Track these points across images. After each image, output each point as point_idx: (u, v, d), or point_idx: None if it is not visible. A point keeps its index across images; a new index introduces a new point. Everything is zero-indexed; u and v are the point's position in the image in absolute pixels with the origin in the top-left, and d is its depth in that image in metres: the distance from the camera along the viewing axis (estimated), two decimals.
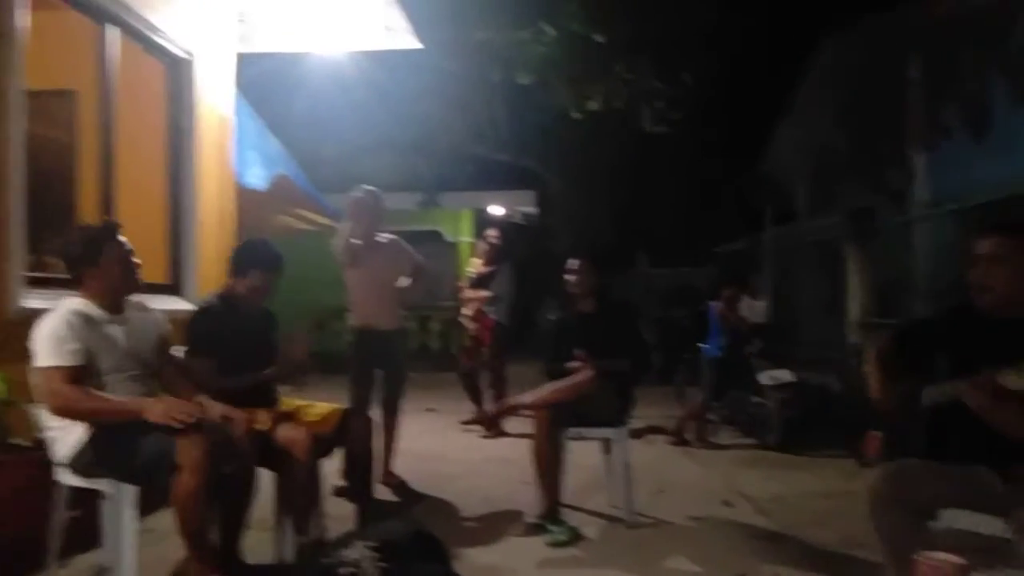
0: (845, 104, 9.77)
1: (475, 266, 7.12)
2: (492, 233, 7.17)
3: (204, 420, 2.78)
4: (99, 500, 2.93)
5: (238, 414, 3.03)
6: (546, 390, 4.03)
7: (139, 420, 2.70)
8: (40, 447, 2.93)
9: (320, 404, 3.59)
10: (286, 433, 3.22)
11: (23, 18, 3.53)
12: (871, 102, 9.25)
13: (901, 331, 2.85)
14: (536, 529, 3.82)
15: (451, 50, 9.66)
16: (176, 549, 2.80)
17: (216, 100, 5.30)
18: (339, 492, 4.01)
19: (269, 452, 3.17)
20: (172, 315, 4.29)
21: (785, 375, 6.13)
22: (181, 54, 4.92)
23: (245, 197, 5.86)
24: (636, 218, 16.02)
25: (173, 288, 4.89)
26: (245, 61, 5.90)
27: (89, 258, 2.90)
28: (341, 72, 8.35)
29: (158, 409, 2.69)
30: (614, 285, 4.72)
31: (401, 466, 4.88)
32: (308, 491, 3.31)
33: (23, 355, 2.77)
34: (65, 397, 2.70)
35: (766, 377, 6.13)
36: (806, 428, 6.02)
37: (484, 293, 6.86)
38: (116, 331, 2.92)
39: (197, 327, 3.44)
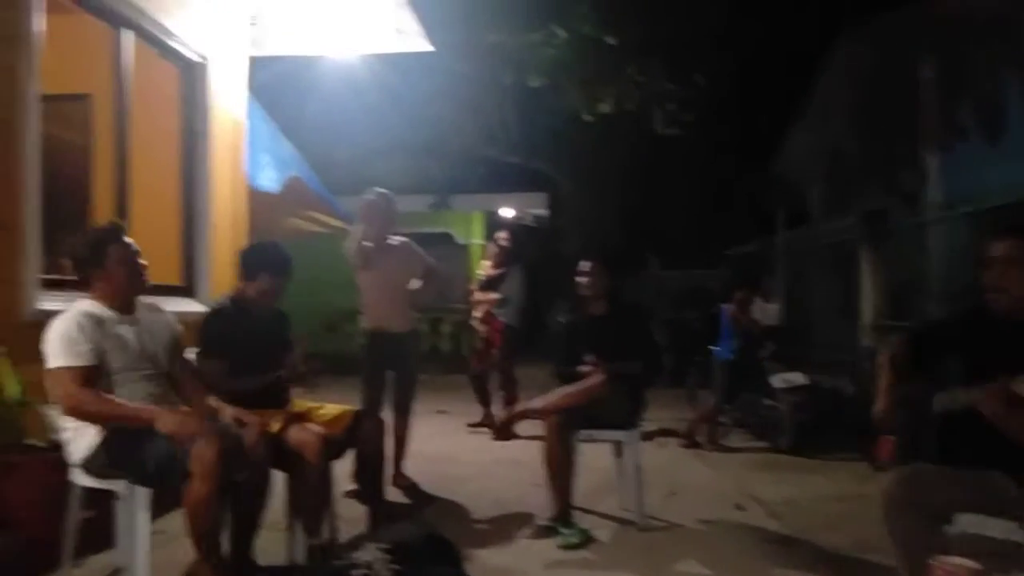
0: (858, 105, 9.73)
1: (484, 268, 7.13)
2: (502, 236, 7.18)
3: (216, 424, 2.79)
4: (113, 501, 2.95)
5: (250, 418, 3.03)
6: (557, 395, 4.03)
7: (148, 427, 2.71)
8: (56, 448, 2.96)
9: (331, 405, 3.60)
10: (297, 435, 3.23)
11: (39, 23, 3.56)
12: (884, 103, 9.20)
13: (914, 333, 2.84)
14: (547, 531, 3.82)
15: (463, 53, 9.67)
16: (188, 550, 2.81)
17: (229, 103, 5.33)
18: (351, 494, 4.02)
19: (281, 453, 3.18)
20: (185, 317, 4.33)
21: (798, 378, 6.10)
22: (195, 58, 4.96)
23: (258, 200, 5.89)
24: (647, 220, 15.99)
25: (186, 290, 4.92)
26: (257, 64, 5.94)
27: (94, 260, 2.92)
28: (353, 75, 8.39)
29: (169, 421, 2.71)
30: (625, 287, 4.70)
31: (412, 468, 4.88)
32: (319, 493, 3.32)
33: (39, 357, 2.80)
34: (78, 398, 2.73)
35: (778, 380, 6.10)
36: (818, 431, 5.99)
37: (493, 295, 6.87)
38: (127, 331, 2.93)
39: (209, 329, 3.47)
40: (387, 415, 4.59)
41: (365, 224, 4.65)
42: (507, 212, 14.46)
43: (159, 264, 4.73)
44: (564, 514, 3.83)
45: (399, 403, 4.77)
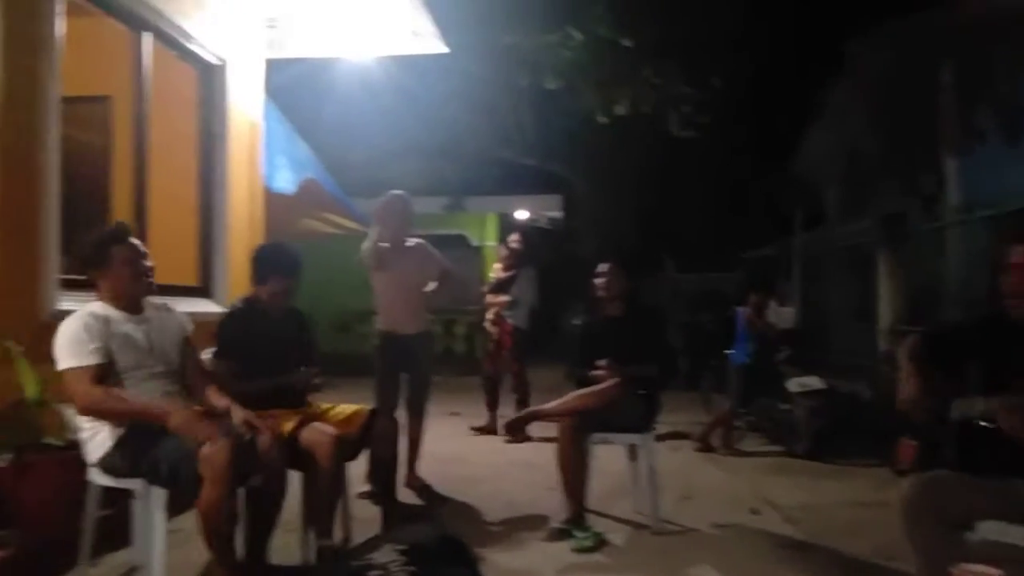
0: (876, 107, 9.65)
1: (495, 271, 7.13)
2: (514, 238, 7.19)
3: (229, 426, 2.80)
4: (130, 500, 2.97)
5: (259, 420, 3.00)
6: (571, 398, 4.02)
7: (161, 424, 2.72)
8: (73, 447, 2.98)
9: (345, 405, 3.61)
10: (310, 436, 3.23)
11: (60, 26, 3.59)
12: (903, 105, 9.13)
13: (931, 334, 2.79)
14: (561, 534, 3.81)
15: (478, 54, 9.69)
16: (204, 550, 2.82)
17: (246, 105, 5.36)
18: (364, 495, 4.02)
19: (295, 454, 3.19)
20: (202, 317, 4.36)
21: (814, 382, 6.06)
22: (213, 60, 4.99)
23: (274, 201, 5.92)
24: (663, 222, 15.96)
25: (203, 290, 4.95)
26: (274, 67, 5.97)
27: (99, 260, 2.95)
28: (368, 77, 8.40)
29: (179, 420, 2.72)
30: (641, 290, 4.69)
31: (425, 469, 4.88)
32: (331, 494, 3.32)
33: None
34: (91, 396, 2.74)
35: (794, 384, 6.07)
36: (835, 436, 5.95)
37: (503, 298, 6.87)
38: (135, 330, 2.95)
39: (224, 331, 3.49)
40: (401, 416, 4.60)
41: (381, 225, 4.66)
42: (522, 214, 14.45)
43: (176, 265, 4.80)
44: (578, 517, 3.82)
45: (413, 404, 4.77)
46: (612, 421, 3.93)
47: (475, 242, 13.69)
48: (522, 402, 6.76)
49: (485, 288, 7.13)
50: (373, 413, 3.63)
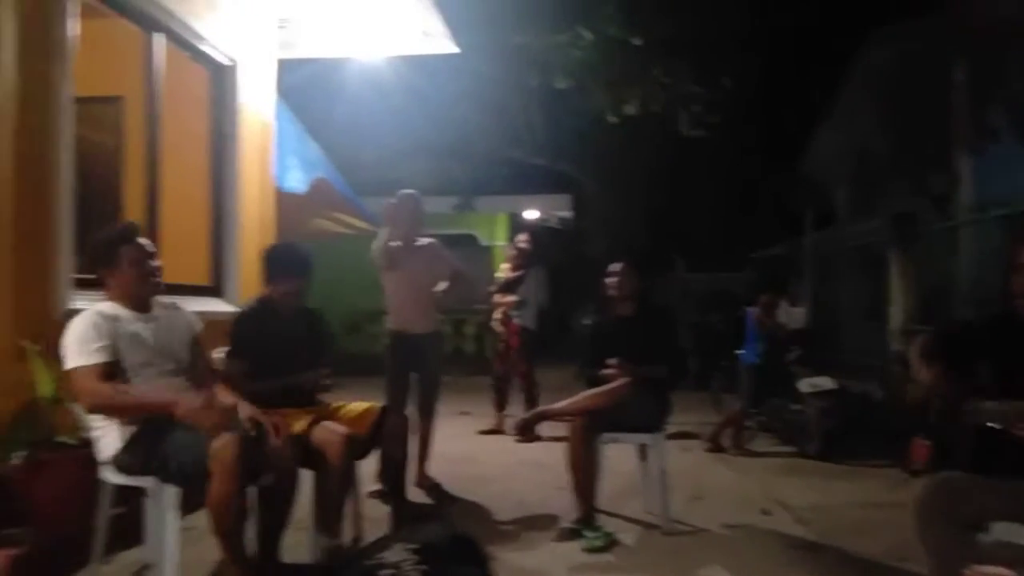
0: (887, 107, 9.62)
1: (504, 270, 7.14)
2: (522, 238, 7.21)
3: (233, 422, 2.81)
4: (142, 498, 2.99)
5: (266, 418, 2.99)
6: (581, 397, 4.01)
7: (169, 414, 2.73)
8: (86, 445, 3.00)
9: (356, 403, 3.61)
10: (322, 435, 3.24)
11: (74, 27, 3.62)
12: (915, 104, 9.09)
13: (943, 332, 2.77)
14: (571, 534, 3.81)
15: (488, 54, 9.70)
16: (217, 548, 2.84)
17: (258, 105, 5.38)
18: (375, 494, 4.04)
19: (306, 453, 3.20)
20: (214, 316, 4.38)
21: (825, 382, 6.04)
22: (224, 61, 5.01)
23: (285, 200, 5.94)
24: (673, 222, 15.93)
25: (214, 290, 4.98)
26: (286, 67, 5.99)
27: (107, 260, 2.97)
28: (379, 77, 8.43)
29: (185, 409, 2.73)
30: (652, 290, 4.68)
31: (435, 469, 4.89)
32: (342, 493, 3.33)
33: None
34: (98, 394, 2.76)
35: (805, 384, 6.04)
36: (847, 437, 5.92)
37: (511, 298, 6.87)
38: (143, 329, 2.97)
39: (236, 331, 3.51)
40: (411, 416, 4.61)
41: (392, 225, 4.67)
42: (531, 214, 14.45)
43: (188, 264, 4.82)
44: (588, 517, 3.82)
45: (423, 404, 4.77)
46: (622, 421, 3.92)
47: (485, 242, 13.69)
48: (531, 402, 6.77)
49: (493, 288, 7.14)
50: (384, 410, 3.64)
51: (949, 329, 2.76)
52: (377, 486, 4.20)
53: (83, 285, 3.60)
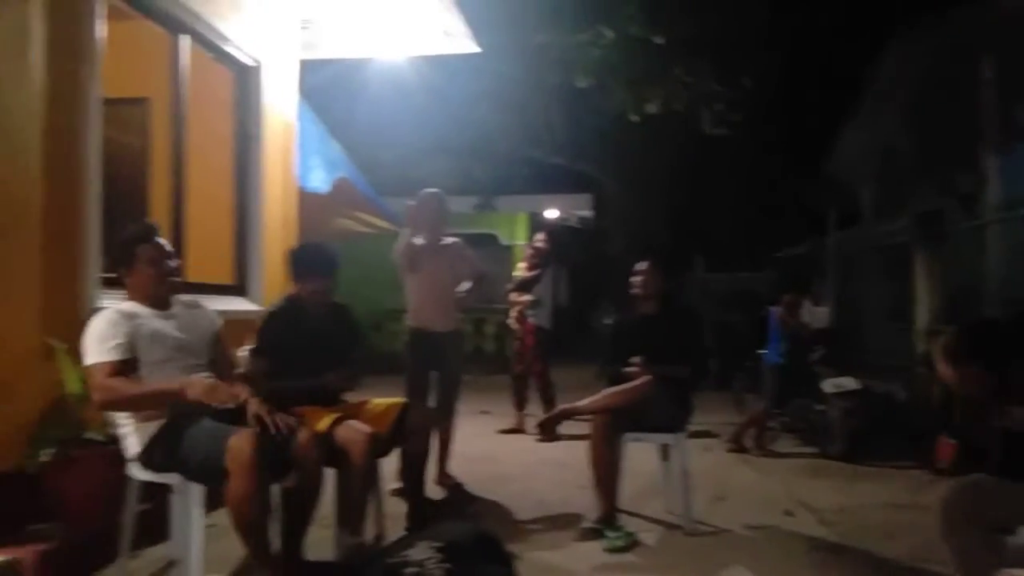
0: (912, 105, 9.50)
1: (520, 270, 7.15)
2: (539, 237, 7.22)
3: (239, 405, 2.82)
4: (168, 494, 3.02)
5: (272, 417, 2.93)
6: (603, 395, 4.01)
7: (181, 399, 2.75)
8: (113, 442, 3.04)
9: (379, 400, 3.63)
10: (345, 434, 3.26)
11: (101, 29, 3.66)
12: (940, 102, 8.97)
13: (969, 330, 2.71)
14: (593, 534, 3.80)
15: (509, 54, 9.71)
16: (241, 544, 2.86)
17: (281, 106, 5.42)
18: (396, 492, 4.05)
19: (329, 451, 3.21)
20: (238, 315, 4.43)
21: (849, 383, 5.98)
22: (248, 62, 5.05)
23: (307, 200, 5.98)
24: (693, 221, 15.85)
25: (239, 289, 5.02)
26: (308, 67, 6.03)
27: (125, 259, 3.02)
28: (400, 77, 8.46)
29: (197, 388, 2.75)
30: (675, 289, 4.67)
31: (455, 468, 4.91)
32: (365, 491, 3.35)
33: None
34: (109, 388, 2.78)
35: (829, 385, 5.99)
36: (871, 438, 5.87)
37: (527, 297, 6.88)
38: (164, 325, 3.00)
39: (264, 329, 3.54)
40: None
41: (416, 224, 4.69)
42: (552, 213, 14.45)
43: (212, 264, 4.87)
44: (610, 516, 3.81)
45: (443, 403, 4.79)
46: (644, 420, 3.91)
47: (505, 241, 13.71)
48: (547, 401, 6.77)
49: (509, 286, 7.15)
50: (406, 407, 3.65)
51: (974, 328, 2.70)
52: (398, 484, 4.21)
53: (110, 284, 3.65)
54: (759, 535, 3.99)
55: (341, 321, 3.75)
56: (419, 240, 4.66)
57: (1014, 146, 8.01)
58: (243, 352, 3.61)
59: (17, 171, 3.20)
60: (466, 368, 5.24)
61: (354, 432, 3.26)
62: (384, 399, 3.65)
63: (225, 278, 4.98)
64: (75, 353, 3.13)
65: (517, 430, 6.82)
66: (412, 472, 3.79)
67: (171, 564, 3.19)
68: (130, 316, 2.92)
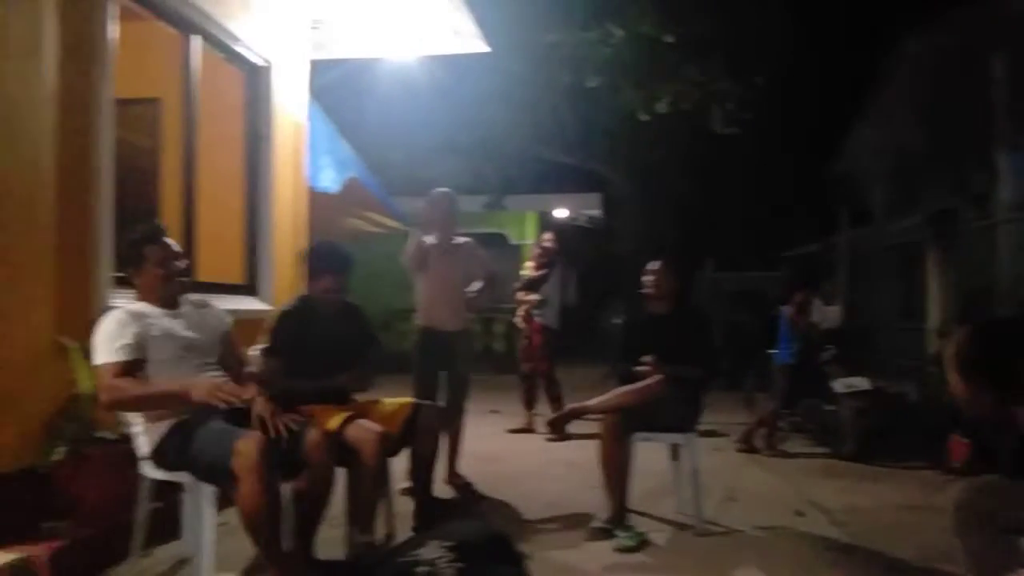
0: (924, 103, 9.44)
1: (528, 269, 7.15)
2: (547, 237, 7.23)
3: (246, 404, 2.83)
4: (180, 492, 3.04)
5: (276, 419, 2.92)
6: (613, 395, 4.00)
7: (187, 401, 2.75)
8: (126, 441, 3.06)
9: (390, 400, 3.64)
10: (356, 433, 3.26)
11: (114, 30, 3.68)
12: (952, 101, 8.91)
13: (981, 329, 2.67)
14: (603, 533, 3.80)
15: (519, 53, 9.70)
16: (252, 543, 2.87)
17: (291, 106, 5.44)
18: (406, 492, 4.06)
19: (340, 450, 3.22)
20: (248, 315, 4.44)
21: (861, 383, 5.96)
22: (259, 62, 5.07)
23: (317, 200, 6.00)
24: (703, 220, 15.81)
25: (249, 288, 5.04)
26: (318, 67, 6.04)
27: (133, 260, 3.04)
28: (409, 76, 8.47)
29: (202, 388, 2.75)
30: (687, 289, 4.66)
31: (465, 467, 4.91)
32: (375, 491, 3.35)
33: None
34: (114, 389, 2.80)
35: (841, 385, 5.97)
36: (882, 438, 5.84)
37: (533, 296, 6.88)
38: (174, 324, 3.01)
39: (277, 328, 3.56)
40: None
41: (427, 223, 4.70)
42: (561, 213, 14.42)
43: (223, 263, 4.89)
44: (620, 516, 3.81)
45: (452, 403, 4.79)
46: (655, 420, 3.90)
47: (515, 240, 13.70)
48: (554, 400, 6.77)
49: (516, 285, 7.16)
50: (417, 407, 3.66)
51: (988, 326, 2.66)
52: (408, 483, 4.22)
53: (122, 284, 3.66)
54: (770, 535, 3.97)
55: (353, 321, 3.76)
56: (430, 239, 4.66)
57: None
58: (254, 351, 3.62)
59: (30, 172, 3.22)
60: (475, 367, 5.25)
61: (365, 431, 3.26)
62: (394, 399, 3.66)
63: (235, 278, 4.99)
64: (87, 352, 3.15)
65: (526, 429, 6.83)
66: (421, 472, 3.79)
67: (183, 562, 3.21)
68: (139, 316, 2.93)
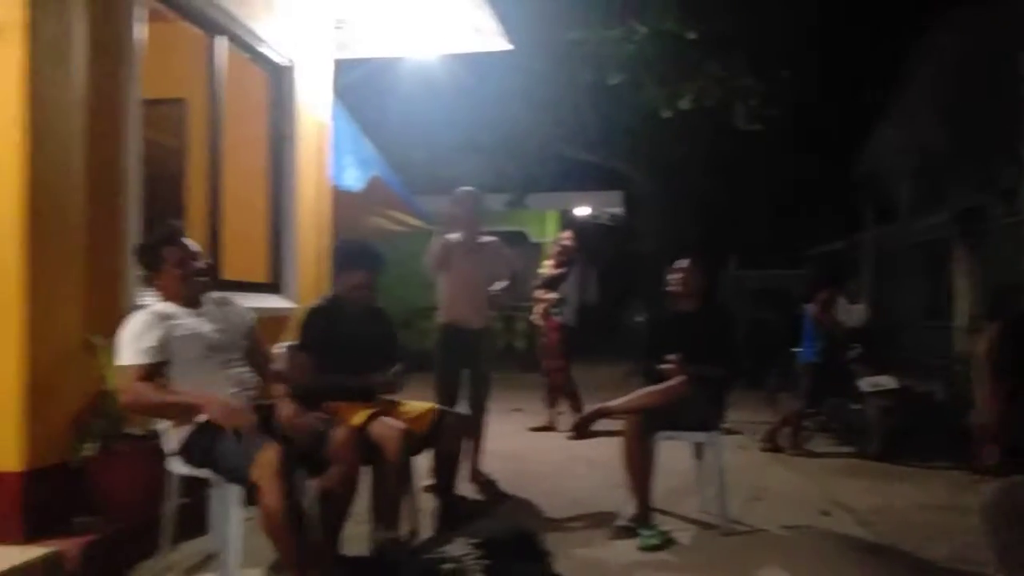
0: (952, 98, 9.32)
1: (546, 267, 7.14)
2: (566, 235, 7.22)
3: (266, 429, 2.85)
4: (207, 488, 3.07)
5: (302, 421, 2.98)
6: (637, 395, 3.99)
7: (202, 413, 2.79)
8: (154, 437, 3.09)
9: (414, 403, 3.66)
10: (379, 430, 3.28)
11: (141, 31, 3.73)
12: (980, 96, 8.79)
13: (1013, 325, 2.62)
14: (626, 532, 3.79)
15: (540, 51, 9.68)
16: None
17: (315, 106, 5.47)
18: (429, 489, 4.08)
19: (364, 447, 3.24)
20: (273, 313, 4.48)
21: (888, 381, 5.89)
22: (283, 62, 5.10)
23: (341, 199, 6.03)
24: (726, 218, 15.70)
25: (273, 287, 5.07)
26: (341, 66, 6.07)
27: (152, 262, 3.07)
28: (431, 75, 8.49)
29: (216, 407, 2.79)
30: (714, 287, 4.65)
31: (488, 465, 4.92)
32: (398, 487, 3.37)
33: None
34: (134, 392, 2.84)
35: (867, 384, 5.91)
36: (909, 438, 5.78)
37: (552, 295, 6.87)
38: (198, 323, 3.04)
39: (307, 323, 3.60)
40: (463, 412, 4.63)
41: (452, 222, 4.72)
42: (583, 211, 14.39)
43: (248, 262, 4.93)
44: (643, 515, 3.80)
45: (474, 400, 4.79)
46: (678, 419, 3.89)
47: (536, 239, 13.69)
48: (570, 397, 6.77)
49: (535, 283, 7.16)
50: (443, 413, 3.68)
51: (1018, 326, 2.61)
52: (431, 481, 4.24)
53: (149, 282, 3.70)
54: (795, 535, 3.95)
55: (379, 322, 3.79)
56: (456, 237, 4.67)
57: None
58: (280, 349, 3.65)
59: (62, 173, 3.26)
60: (497, 366, 5.25)
61: (388, 428, 3.29)
62: (418, 403, 3.67)
63: (260, 276, 5.03)
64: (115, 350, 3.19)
65: (549, 428, 6.82)
66: (445, 470, 3.81)
67: (210, 557, 3.24)
68: (164, 317, 2.96)
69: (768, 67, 10.09)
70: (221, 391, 2.94)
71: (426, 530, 3.67)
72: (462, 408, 4.65)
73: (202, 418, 2.86)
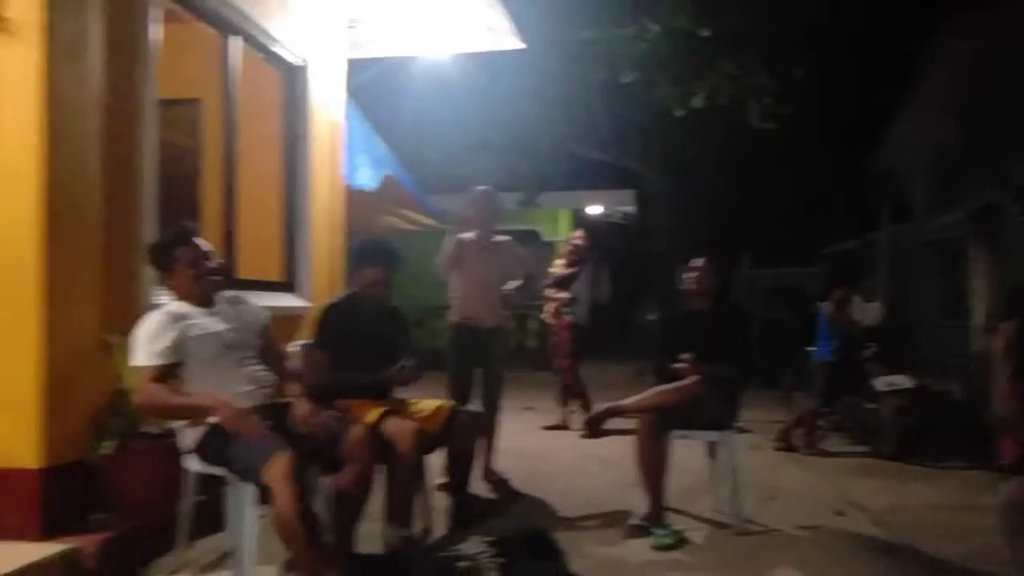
0: (965, 96, 9.25)
1: (558, 267, 7.13)
2: (578, 234, 7.22)
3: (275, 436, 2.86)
4: (223, 486, 3.09)
5: (317, 420, 3.00)
6: (650, 394, 3.99)
7: (212, 417, 2.81)
8: (170, 435, 3.11)
9: (428, 401, 3.67)
10: (392, 427, 3.29)
11: (156, 32, 3.75)
12: (995, 93, 8.72)
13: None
14: (640, 531, 3.79)
15: (552, 50, 9.67)
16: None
17: (328, 105, 5.49)
18: (442, 487, 4.09)
19: (378, 445, 3.25)
20: (287, 311, 4.50)
21: (903, 381, 5.86)
22: (297, 62, 5.12)
23: (355, 198, 6.05)
24: (739, 217, 15.65)
25: (287, 286, 5.10)
26: (354, 66, 6.08)
27: (164, 263, 3.09)
28: (443, 74, 8.50)
29: (226, 414, 2.81)
30: (729, 287, 4.65)
31: (500, 464, 4.92)
32: (411, 485, 3.38)
33: None
34: (147, 393, 2.86)
35: (882, 383, 5.87)
36: (924, 437, 5.74)
37: (563, 294, 6.86)
38: (212, 323, 3.05)
39: (324, 322, 3.62)
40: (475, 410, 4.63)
41: (466, 221, 4.73)
42: (595, 210, 14.37)
43: (262, 261, 4.96)
44: (657, 514, 3.80)
45: (487, 399, 4.80)
46: (692, 418, 3.88)
47: (548, 238, 13.69)
48: (579, 396, 6.76)
49: (546, 282, 7.16)
50: (455, 411, 3.68)
51: None
52: (444, 479, 4.24)
53: (162, 282, 3.73)
54: (809, 535, 3.93)
55: (393, 320, 3.80)
56: (469, 236, 4.68)
57: None
58: (294, 347, 3.67)
59: (78, 174, 3.28)
60: (509, 364, 5.25)
61: (401, 425, 3.30)
62: (431, 401, 3.68)
63: (274, 275, 5.06)
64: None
65: (561, 426, 6.82)
66: (458, 469, 3.82)
67: (226, 555, 3.26)
68: (179, 317, 2.98)
69: (782, 65, 10.03)
70: (236, 389, 2.96)
71: (439, 528, 3.68)
72: (475, 407, 4.65)
73: (215, 419, 2.88)
